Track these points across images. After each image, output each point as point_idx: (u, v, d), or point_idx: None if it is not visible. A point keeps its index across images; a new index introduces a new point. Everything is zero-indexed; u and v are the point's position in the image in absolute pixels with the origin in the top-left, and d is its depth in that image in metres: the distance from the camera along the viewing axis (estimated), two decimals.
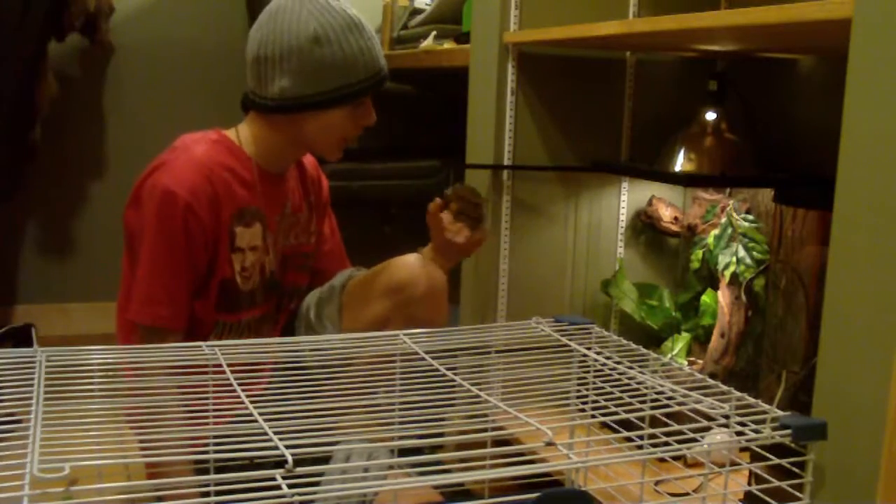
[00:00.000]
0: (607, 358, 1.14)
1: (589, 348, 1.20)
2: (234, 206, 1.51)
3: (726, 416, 0.96)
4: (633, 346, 1.20)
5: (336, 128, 1.57)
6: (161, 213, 1.43)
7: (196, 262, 1.48)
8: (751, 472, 1.08)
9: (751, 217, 1.78)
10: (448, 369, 1.08)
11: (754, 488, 0.97)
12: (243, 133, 1.58)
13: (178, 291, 1.47)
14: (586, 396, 1.19)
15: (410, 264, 1.56)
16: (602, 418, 1.08)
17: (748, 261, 1.73)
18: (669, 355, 1.81)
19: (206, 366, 1.07)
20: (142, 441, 1.07)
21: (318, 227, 1.75)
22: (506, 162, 1.86)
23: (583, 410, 1.21)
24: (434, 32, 2.54)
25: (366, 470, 1.22)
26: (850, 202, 1.00)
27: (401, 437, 1.11)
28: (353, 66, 1.52)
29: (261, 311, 1.62)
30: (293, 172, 1.68)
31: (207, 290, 1.51)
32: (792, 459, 0.96)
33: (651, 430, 0.99)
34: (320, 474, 0.87)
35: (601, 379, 1.14)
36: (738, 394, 1.01)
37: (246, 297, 1.56)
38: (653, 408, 1.04)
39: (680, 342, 1.86)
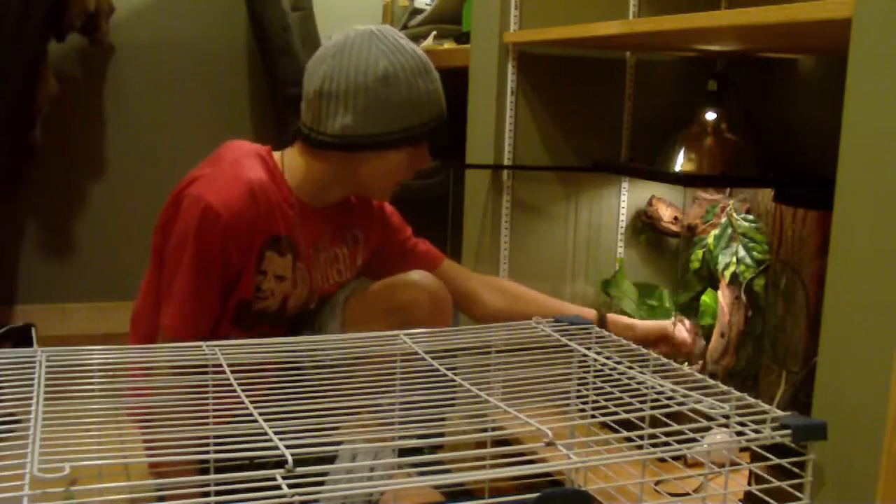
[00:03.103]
0: (607, 358, 1.14)
1: (589, 348, 1.20)
2: (271, 232, 1.47)
3: (726, 416, 0.96)
4: (633, 346, 1.20)
5: (391, 170, 1.53)
6: (201, 230, 1.39)
7: (227, 278, 1.46)
8: (751, 472, 1.08)
9: (751, 217, 1.78)
10: (448, 369, 1.08)
11: (754, 488, 0.98)
12: (289, 162, 1.52)
13: (209, 307, 1.45)
14: (586, 396, 1.19)
15: (414, 284, 1.54)
16: (602, 418, 1.08)
17: (748, 261, 1.73)
18: None
19: (206, 366, 1.07)
20: (143, 441, 1.07)
21: (364, 260, 1.68)
22: (506, 162, 1.86)
23: (583, 410, 1.21)
24: (434, 32, 2.54)
25: (372, 470, 1.23)
26: (850, 202, 1.00)
27: (401, 437, 1.11)
28: (417, 109, 1.48)
29: (272, 332, 1.56)
30: (336, 206, 1.61)
31: (226, 305, 1.48)
32: (792, 459, 0.96)
33: (651, 430, 0.99)
34: (320, 474, 0.87)
35: (601, 379, 1.14)
36: (738, 394, 1.02)
37: (255, 315, 1.52)
38: (653, 408, 1.04)
39: None
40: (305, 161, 1.52)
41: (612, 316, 1.73)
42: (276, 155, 1.54)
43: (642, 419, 1.05)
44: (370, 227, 1.68)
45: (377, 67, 1.44)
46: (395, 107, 1.46)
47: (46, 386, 0.95)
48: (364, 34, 1.47)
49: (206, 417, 1.03)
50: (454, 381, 1.06)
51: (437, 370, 1.08)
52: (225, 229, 1.40)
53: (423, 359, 1.12)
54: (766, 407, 0.97)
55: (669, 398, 1.02)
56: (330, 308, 1.61)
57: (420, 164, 1.55)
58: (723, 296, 1.77)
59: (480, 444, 1.16)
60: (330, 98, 1.46)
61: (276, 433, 0.85)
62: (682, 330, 1.69)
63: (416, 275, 1.56)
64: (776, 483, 0.96)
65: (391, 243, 1.71)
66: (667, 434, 0.97)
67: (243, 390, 0.98)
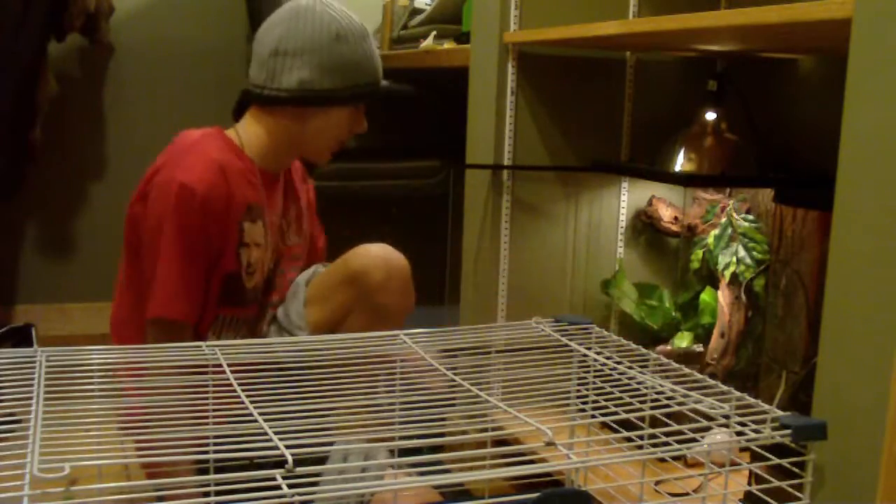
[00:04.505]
0: (607, 358, 1.14)
1: (589, 348, 1.20)
2: (243, 203, 1.53)
3: (726, 416, 0.96)
4: (633, 346, 1.20)
5: (335, 128, 1.62)
6: (179, 209, 1.44)
7: (209, 257, 1.50)
8: (751, 472, 1.08)
9: (751, 217, 1.78)
10: (448, 369, 1.08)
11: (754, 488, 0.98)
12: (243, 133, 1.60)
13: (196, 286, 1.49)
14: (586, 396, 1.19)
15: (368, 252, 1.61)
16: (602, 418, 1.08)
17: (748, 261, 1.73)
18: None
19: (206, 366, 1.07)
20: (141, 441, 1.07)
21: (308, 228, 1.78)
22: (506, 162, 1.86)
23: (583, 410, 1.21)
24: (434, 32, 2.54)
25: (363, 470, 1.23)
26: (850, 202, 1.00)
27: (401, 438, 1.11)
28: (364, 69, 1.60)
29: (259, 308, 1.64)
30: (285, 173, 1.71)
31: (210, 283, 1.52)
32: (792, 459, 0.96)
33: (651, 430, 0.99)
34: (320, 474, 0.87)
35: (601, 379, 1.14)
36: (738, 394, 1.02)
37: (250, 293, 1.58)
38: (653, 408, 1.04)
39: (683, 340, 1.86)
40: (259, 126, 1.60)
41: None
42: (230, 132, 1.61)
43: (642, 419, 1.05)
44: (308, 197, 1.79)
45: (331, 29, 1.56)
46: (347, 65, 1.58)
47: (46, 386, 0.95)
48: (312, 3, 1.59)
49: (206, 417, 1.03)
50: (454, 381, 1.06)
51: (437, 370, 1.08)
52: (202, 205, 1.45)
53: (423, 359, 1.12)
54: (766, 407, 0.97)
55: (669, 398, 1.02)
56: (292, 291, 1.68)
57: (358, 126, 1.66)
58: (723, 296, 1.77)
59: (480, 444, 1.16)
60: (286, 55, 1.56)
61: (276, 433, 0.85)
62: None
63: (374, 245, 1.63)
64: (776, 483, 0.96)
65: (316, 232, 1.83)
66: (667, 434, 0.97)
67: (243, 390, 0.98)
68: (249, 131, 1.60)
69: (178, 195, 1.44)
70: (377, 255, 1.61)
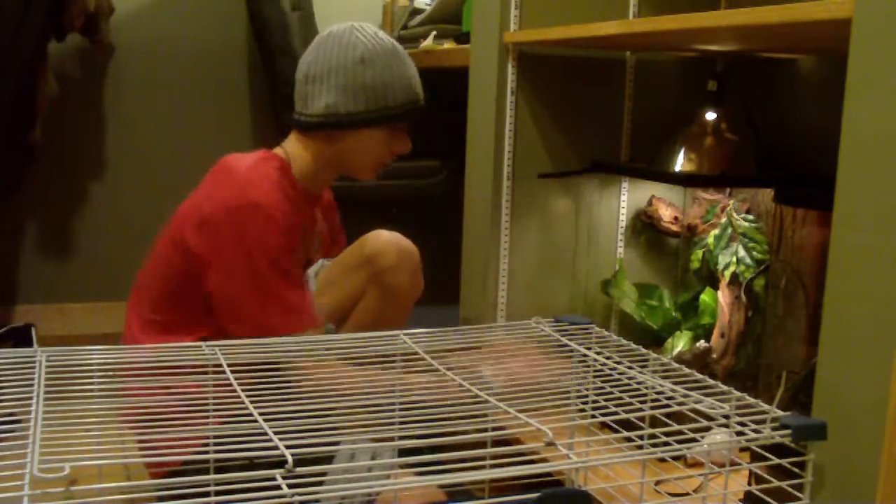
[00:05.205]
0: (607, 358, 1.14)
1: (589, 348, 1.20)
2: (289, 221, 1.55)
3: (726, 416, 0.96)
4: (633, 346, 1.20)
5: (371, 150, 1.63)
6: (265, 230, 1.46)
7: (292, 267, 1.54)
8: (751, 472, 1.08)
9: (751, 217, 1.78)
10: (448, 369, 1.08)
11: (754, 488, 0.98)
12: (293, 154, 1.63)
13: (304, 291, 1.53)
14: (586, 396, 1.19)
15: (381, 235, 1.65)
16: (602, 418, 1.08)
17: (748, 261, 1.73)
18: (675, 351, 1.80)
19: (206, 366, 1.07)
20: (141, 441, 1.07)
21: (330, 242, 1.82)
22: (506, 161, 1.86)
23: (583, 410, 1.21)
24: (434, 32, 2.54)
25: (370, 469, 1.23)
26: (850, 202, 1.00)
27: (401, 438, 1.11)
28: (393, 91, 1.60)
29: None
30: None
31: None
32: (792, 459, 0.96)
33: (651, 430, 0.99)
34: (320, 474, 0.87)
35: (601, 379, 1.14)
36: (738, 394, 1.02)
37: None
38: (653, 408, 1.04)
39: (682, 339, 1.86)
40: (300, 149, 1.63)
41: None
42: (278, 151, 1.63)
43: (642, 419, 1.05)
44: (333, 211, 1.84)
45: (356, 52, 1.57)
46: (371, 87, 1.58)
47: (46, 386, 0.95)
48: (345, 27, 1.61)
49: (207, 417, 1.03)
50: (454, 380, 1.06)
51: (438, 370, 1.08)
52: (282, 226, 1.48)
53: (423, 359, 1.12)
54: (766, 407, 0.97)
55: (669, 398, 1.02)
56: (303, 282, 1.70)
57: (398, 147, 1.66)
58: (723, 296, 1.77)
59: (480, 444, 1.16)
60: (314, 81, 1.59)
61: (276, 433, 0.85)
62: None
63: (383, 231, 1.68)
64: (776, 483, 0.96)
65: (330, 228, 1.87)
66: (667, 434, 0.97)
67: (243, 390, 0.98)
68: (295, 154, 1.63)
69: (262, 217, 1.46)
70: (389, 240, 1.65)
